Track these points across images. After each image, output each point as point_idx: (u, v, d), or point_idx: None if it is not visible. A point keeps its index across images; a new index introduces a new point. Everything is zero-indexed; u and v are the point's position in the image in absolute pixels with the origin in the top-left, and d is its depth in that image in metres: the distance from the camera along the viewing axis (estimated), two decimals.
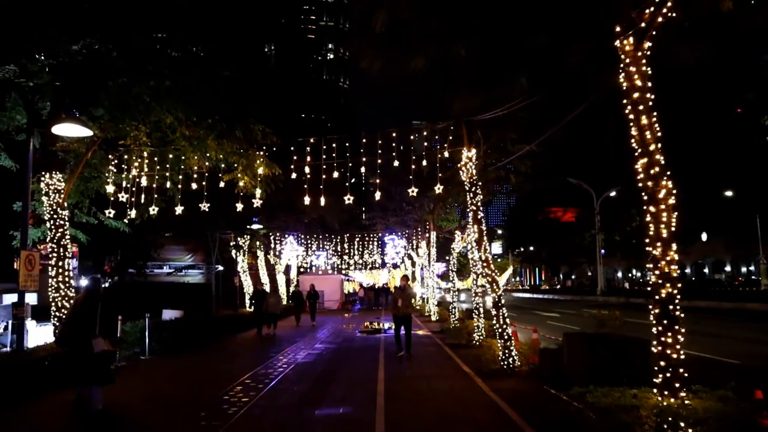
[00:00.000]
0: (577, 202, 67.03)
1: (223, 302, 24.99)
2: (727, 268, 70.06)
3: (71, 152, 11.42)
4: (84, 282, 23.00)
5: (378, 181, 10.65)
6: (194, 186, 11.13)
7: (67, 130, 9.48)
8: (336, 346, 16.00)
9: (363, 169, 10.72)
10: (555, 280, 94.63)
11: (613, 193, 51.16)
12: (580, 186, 51.87)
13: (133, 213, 11.50)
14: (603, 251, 51.42)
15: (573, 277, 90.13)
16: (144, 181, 11.24)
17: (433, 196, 22.22)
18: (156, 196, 11.36)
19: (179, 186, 11.25)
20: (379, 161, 10.79)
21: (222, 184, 11.05)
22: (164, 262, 38.71)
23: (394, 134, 10.79)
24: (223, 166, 10.96)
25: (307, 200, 10.78)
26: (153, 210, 11.32)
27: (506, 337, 10.60)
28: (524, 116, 16.85)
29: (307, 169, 10.87)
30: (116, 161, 11.53)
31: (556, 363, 9.12)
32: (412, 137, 10.83)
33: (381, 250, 42.21)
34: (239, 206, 11.12)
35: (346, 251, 39.66)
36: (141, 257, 29.59)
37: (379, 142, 10.88)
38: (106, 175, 11.35)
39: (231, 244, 26.12)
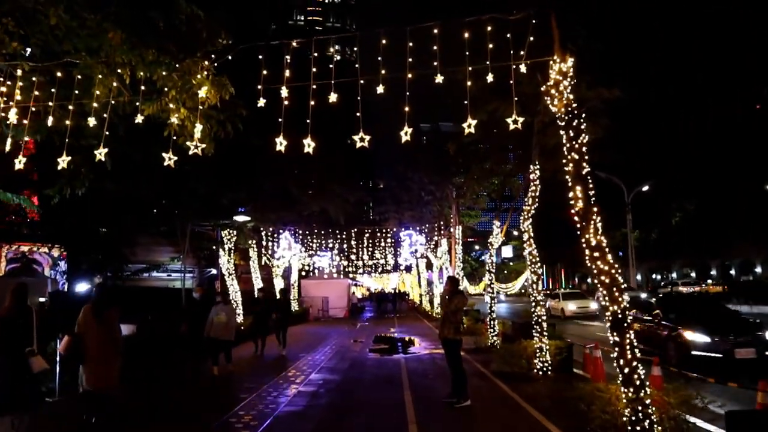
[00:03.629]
0: (597, 199, 62.12)
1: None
2: (758, 270, 64.38)
3: None
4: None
5: (407, 109, 6.05)
6: (89, 121, 6.44)
7: None
8: (339, 378, 11.36)
9: (381, 89, 6.12)
10: (572, 283, 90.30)
11: (645, 188, 46.47)
12: (610, 180, 47.18)
13: None
14: (621, 252, 46.73)
15: (588, 281, 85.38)
16: (13, 116, 6.62)
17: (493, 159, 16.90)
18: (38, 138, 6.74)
19: (70, 123, 6.61)
20: (410, 75, 6.20)
21: (140, 119, 6.37)
22: (151, 264, 34.12)
23: (435, 30, 6.20)
24: (144, 88, 6.37)
25: (282, 144, 6.06)
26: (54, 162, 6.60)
27: (638, 383, 5.94)
28: (601, 48, 12.41)
29: (285, 92, 6.23)
30: None
31: None
32: (466, 35, 6.19)
33: (394, 251, 37.06)
34: (169, 159, 6.35)
35: (353, 250, 34.84)
36: (111, 258, 24.94)
37: (410, 44, 6.30)
38: None
39: (211, 240, 21.49)
